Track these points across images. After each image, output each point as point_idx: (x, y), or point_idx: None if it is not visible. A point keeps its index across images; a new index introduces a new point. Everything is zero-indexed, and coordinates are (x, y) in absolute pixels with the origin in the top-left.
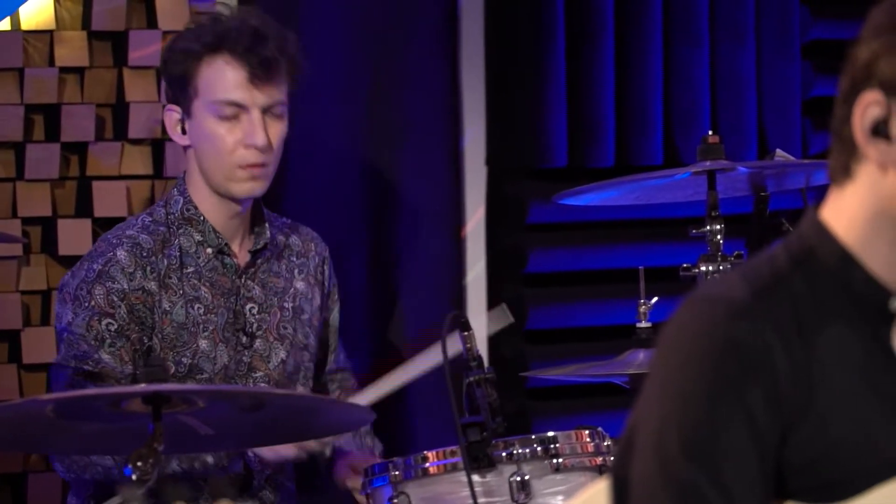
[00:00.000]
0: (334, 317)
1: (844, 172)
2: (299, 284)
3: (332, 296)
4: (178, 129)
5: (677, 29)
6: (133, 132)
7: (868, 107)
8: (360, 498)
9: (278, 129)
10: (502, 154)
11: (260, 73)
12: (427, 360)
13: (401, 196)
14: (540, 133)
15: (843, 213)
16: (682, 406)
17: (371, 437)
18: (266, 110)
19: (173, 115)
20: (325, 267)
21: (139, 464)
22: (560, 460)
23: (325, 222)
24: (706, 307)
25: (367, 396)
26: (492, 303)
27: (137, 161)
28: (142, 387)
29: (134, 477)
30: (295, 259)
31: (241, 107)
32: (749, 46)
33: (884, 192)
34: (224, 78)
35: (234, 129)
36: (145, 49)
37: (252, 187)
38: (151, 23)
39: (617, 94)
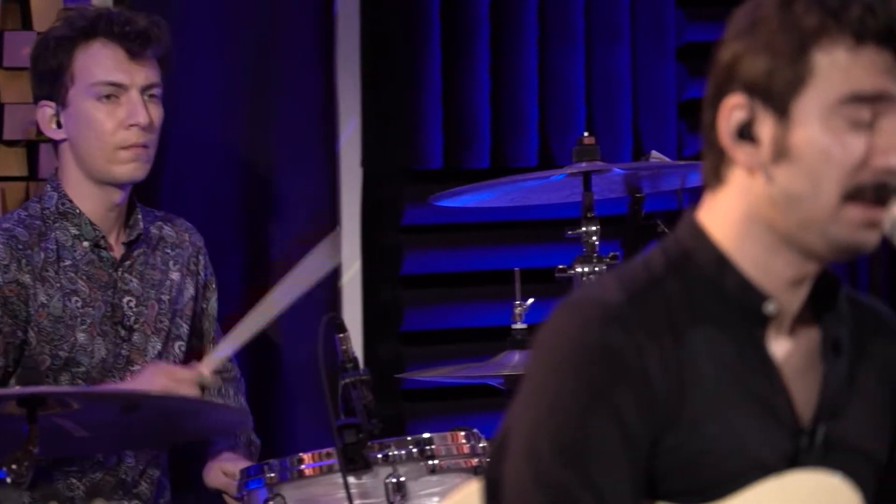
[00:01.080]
0: (212, 305)
1: (716, 177)
2: (174, 275)
3: (209, 285)
4: (53, 123)
5: (552, 30)
6: (8, 133)
7: (732, 110)
8: (231, 501)
9: (157, 112)
10: (378, 155)
11: (137, 49)
12: (292, 289)
13: (277, 197)
14: (415, 134)
15: (718, 216)
16: (554, 409)
17: (248, 435)
18: (144, 90)
19: (47, 110)
20: (201, 257)
21: (14, 467)
22: (435, 462)
23: (201, 221)
24: (580, 311)
25: (235, 340)
26: (367, 304)
27: (12, 162)
28: (16, 389)
29: (9, 480)
30: (170, 251)
31: (120, 87)
32: (624, 48)
33: (753, 194)
34: (102, 60)
35: (114, 111)
36: (20, 50)
37: (134, 168)
38: (26, 24)
39: (492, 95)
